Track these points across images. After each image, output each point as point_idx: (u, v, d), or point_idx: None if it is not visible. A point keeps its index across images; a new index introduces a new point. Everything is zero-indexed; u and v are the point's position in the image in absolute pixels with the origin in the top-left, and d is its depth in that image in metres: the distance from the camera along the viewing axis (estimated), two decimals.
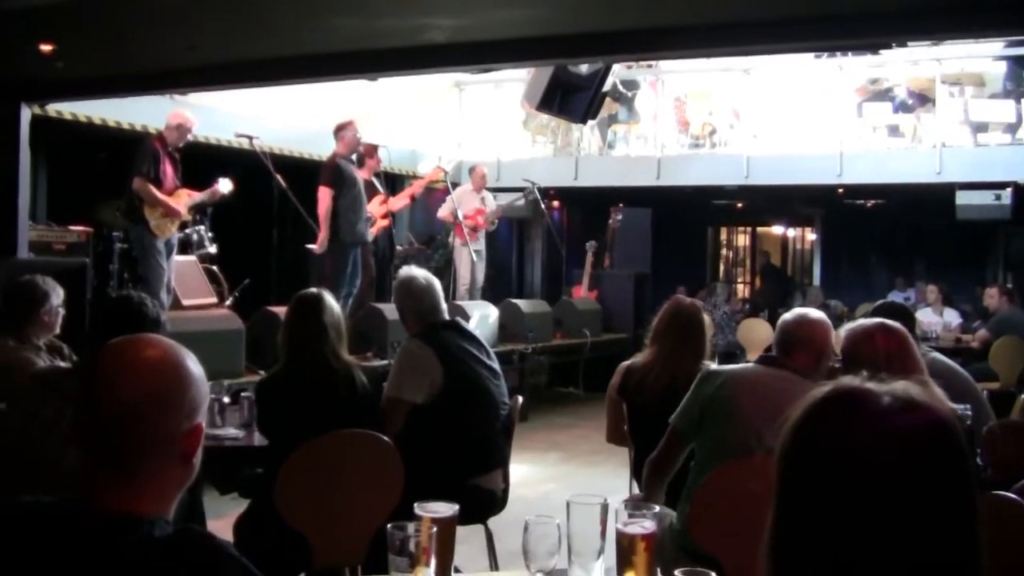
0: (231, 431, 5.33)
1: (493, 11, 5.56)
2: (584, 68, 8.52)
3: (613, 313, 15.23)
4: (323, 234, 10.33)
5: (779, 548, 1.48)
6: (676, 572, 2.37)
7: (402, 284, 5.42)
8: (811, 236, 22.12)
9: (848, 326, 4.37)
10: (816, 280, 20.44)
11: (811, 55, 14.86)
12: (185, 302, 10.03)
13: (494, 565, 5.14)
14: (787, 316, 4.36)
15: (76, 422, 1.99)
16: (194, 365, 2.03)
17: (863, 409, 1.43)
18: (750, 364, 4.40)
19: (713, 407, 4.16)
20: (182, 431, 1.98)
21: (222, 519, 5.47)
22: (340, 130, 10.69)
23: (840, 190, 16.48)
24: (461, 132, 16.90)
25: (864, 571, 1.38)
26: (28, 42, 6.29)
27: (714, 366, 4.34)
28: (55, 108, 9.74)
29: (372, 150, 11.68)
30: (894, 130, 15.47)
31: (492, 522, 5.23)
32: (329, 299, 4.91)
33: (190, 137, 9.69)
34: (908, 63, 14.97)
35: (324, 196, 10.38)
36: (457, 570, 3.63)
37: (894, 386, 1.45)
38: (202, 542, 1.87)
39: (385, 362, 9.38)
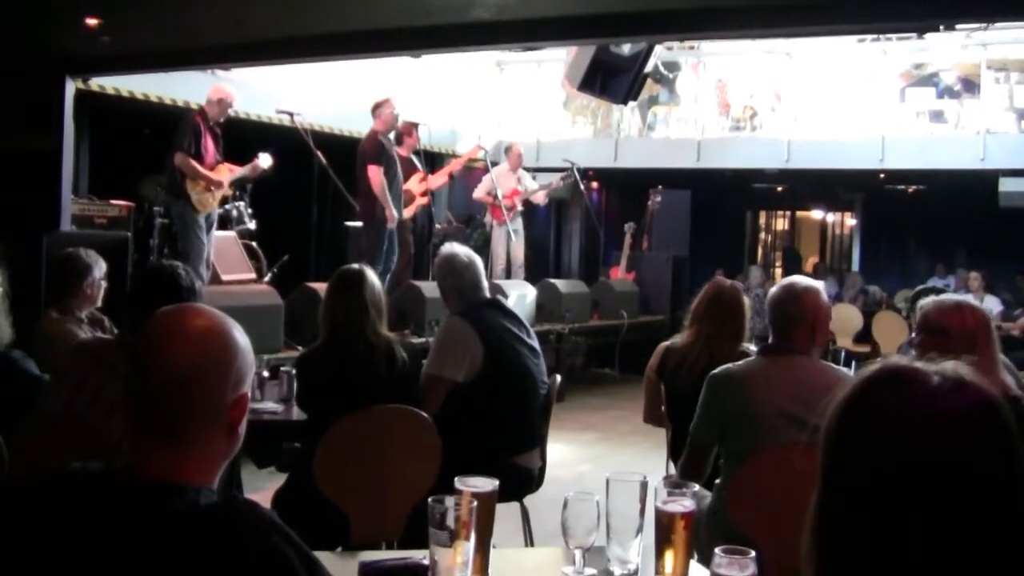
0: (270, 405, 5.37)
1: None
2: (626, 49, 8.48)
3: (650, 295, 15.19)
4: (389, 210, 10.37)
5: (825, 529, 1.47)
6: (717, 549, 2.37)
7: (444, 261, 5.42)
8: (851, 221, 22.01)
9: (937, 298, 4.31)
10: (855, 266, 20.34)
11: (854, 39, 14.74)
12: (224, 277, 10.09)
13: (530, 543, 5.16)
14: (773, 293, 4.29)
15: (124, 390, 2.00)
16: (240, 335, 2.04)
17: (912, 388, 1.42)
18: (752, 359, 4.34)
19: (731, 415, 4.13)
20: (228, 400, 2.00)
21: (259, 493, 5.49)
22: (377, 108, 10.72)
23: (881, 175, 16.37)
24: (501, 112, 16.88)
25: (911, 551, 1.38)
26: (73, 16, 6.33)
27: (719, 369, 4.24)
28: (98, 83, 9.79)
29: (411, 128, 11.69)
30: (937, 116, 15.32)
31: (528, 501, 5.24)
32: (371, 275, 4.92)
33: (231, 112, 9.74)
34: (953, 48, 14.81)
35: (375, 174, 10.41)
36: (495, 547, 3.64)
37: (943, 365, 1.44)
38: (249, 511, 1.88)
39: (423, 340, 9.40)
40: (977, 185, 14.49)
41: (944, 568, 1.36)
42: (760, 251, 23.66)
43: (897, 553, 1.38)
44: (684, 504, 2.65)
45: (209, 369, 1.97)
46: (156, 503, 1.85)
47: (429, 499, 2.52)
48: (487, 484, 2.75)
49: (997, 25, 11.32)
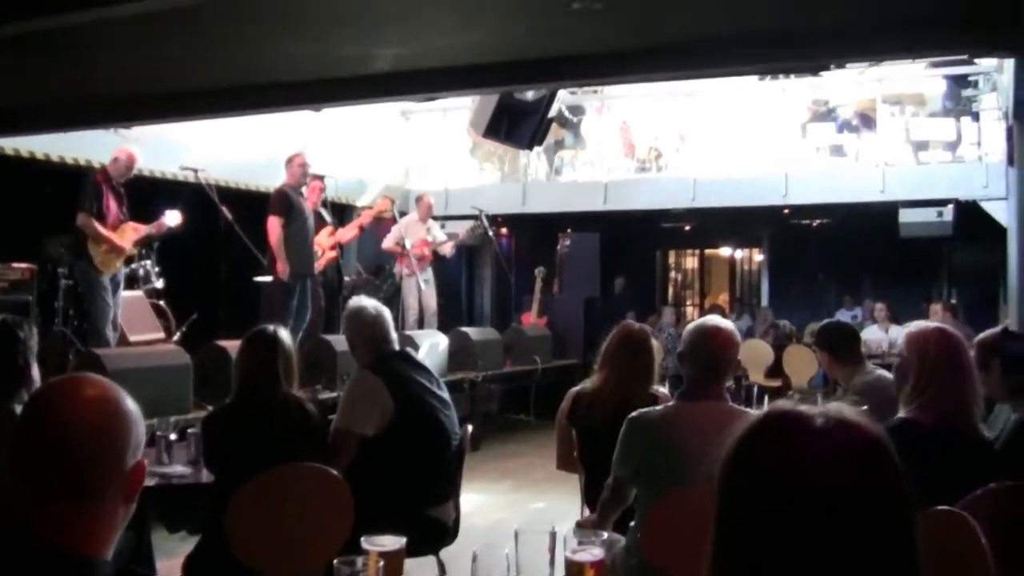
0: (178, 468, 5.27)
1: (436, 39, 5.57)
2: (530, 94, 8.54)
3: (563, 339, 15.22)
4: (281, 263, 10.32)
5: (720, 566, 1.48)
6: None
7: (352, 314, 5.40)
8: (759, 257, 22.29)
9: (917, 325, 4.35)
10: (764, 300, 20.58)
11: (755, 78, 14.98)
12: (132, 338, 9.94)
13: None
14: (689, 338, 4.25)
15: (16, 458, 1.96)
16: (131, 403, 2.05)
17: (798, 430, 1.45)
18: (670, 404, 4.36)
19: (646, 457, 4.15)
20: (127, 468, 1.99)
21: (174, 558, 5.40)
22: (289, 161, 10.69)
23: (786, 210, 16.61)
24: (408, 161, 16.90)
25: None
26: None
27: (637, 412, 4.25)
28: None
29: (317, 181, 11.66)
30: (838, 150, 15.61)
31: (445, 552, 5.20)
32: (283, 334, 4.89)
33: (135, 171, 9.64)
34: (850, 84, 15.14)
35: (274, 225, 10.37)
36: None
37: (827, 407, 1.47)
38: None
39: (335, 394, 9.33)
40: (879, 216, 14.75)
41: None
42: (672, 290, 23.87)
43: None
44: (593, 553, 2.65)
45: (111, 433, 1.98)
46: (52, 572, 1.83)
47: (335, 561, 2.49)
48: (394, 542, 2.73)
49: (886, 62, 11.58)
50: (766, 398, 14.23)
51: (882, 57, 6.89)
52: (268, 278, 10.58)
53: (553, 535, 2.71)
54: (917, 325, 4.37)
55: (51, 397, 2.02)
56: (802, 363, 13.52)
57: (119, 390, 2.04)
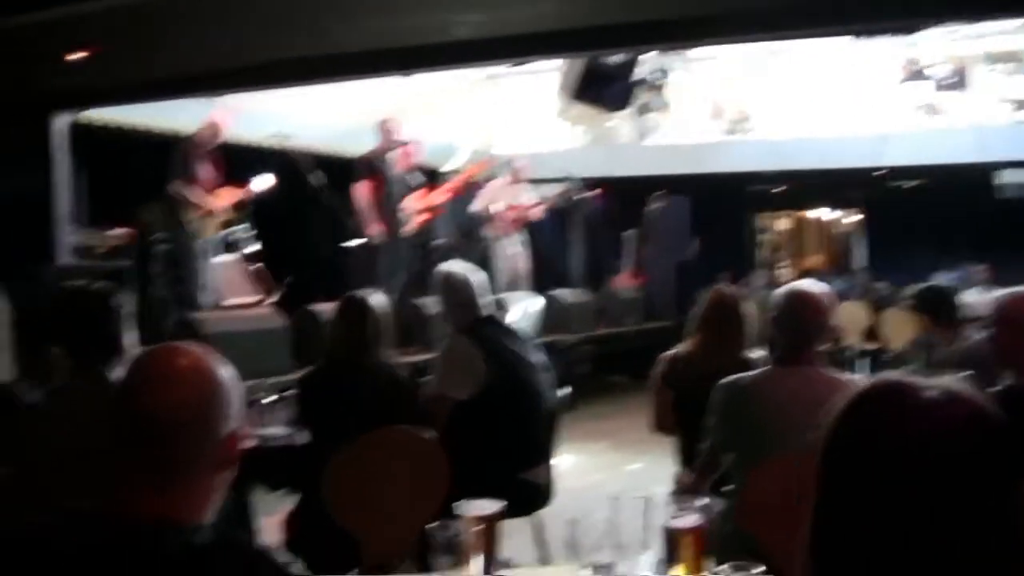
0: (276, 430, 5.35)
1: (518, 5, 5.55)
2: (615, 57, 8.49)
3: (656, 301, 15.15)
4: (371, 228, 10.37)
5: (820, 544, 1.47)
6: (724, 566, 2.36)
7: (442, 280, 5.42)
8: (854, 218, 21.92)
9: (1006, 292, 4.26)
10: (860, 263, 20.25)
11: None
12: (228, 301, 10.07)
13: (545, 557, 5.13)
14: (782, 302, 4.17)
15: (113, 432, 1.99)
16: (226, 370, 2.04)
17: (906, 402, 1.42)
18: (763, 369, 4.31)
19: (739, 424, 4.12)
20: (220, 438, 1.99)
21: (273, 516, 5.48)
22: (379, 126, 10.73)
23: (880, 172, 16.32)
24: (497, 124, 16.86)
25: (906, 565, 1.37)
26: (56, 53, 6.32)
27: (728, 379, 4.19)
28: (91, 115, 9.80)
29: (408, 145, 11.68)
30: (931, 109, 15.28)
31: (542, 514, 5.21)
32: (376, 300, 4.93)
33: (224, 138, 9.74)
34: (945, 41, 14.77)
35: (364, 190, 10.43)
36: (508, 563, 3.62)
37: (937, 380, 1.43)
38: (243, 549, 1.87)
39: (428, 356, 9.38)
40: (976, 177, 14.44)
41: None
42: (764, 253, 23.58)
43: (894, 566, 1.37)
44: (693, 520, 2.63)
45: (201, 410, 1.96)
46: (150, 543, 1.85)
47: (429, 526, 2.50)
48: (490, 506, 2.73)
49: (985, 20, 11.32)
50: (863, 362, 14.05)
51: (980, 18, 6.73)
52: (356, 242, 10.65)
53: (651, 500, 2.70)
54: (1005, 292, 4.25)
55: (144, 368, 2.02)
56: (900, 326, 13.25)
57: (214, 359, 2.03)
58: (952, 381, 1.44)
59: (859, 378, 4.22)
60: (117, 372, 3.94)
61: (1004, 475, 1.40)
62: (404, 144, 11.60)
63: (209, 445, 1.97)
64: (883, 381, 1.47)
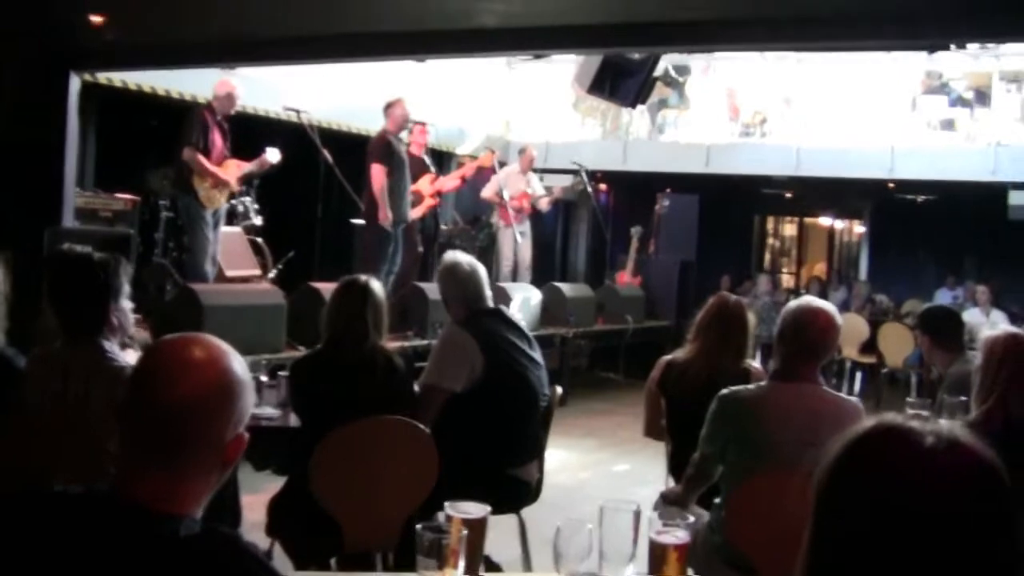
0: (268, 410, 5.32)
1: None
2: (636, 53, 8.46)
3: (656, 300, 15.12)
4: (383, 212, 10.33)
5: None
6: None
7: (446, 269, 5.38)
8: (859, 229, 21.90)
9: (1001, 331, 4.31)
10: (863, 274, 20.24)
11: None
12: (229, 273, 10.06)
13: (526, 555, 5.12)
14: (789, 318, 4.14)
15: (122, 413, 1.98)
16: (241, 369, 2.02)
17: (905, 448, 1.40)
18: (762, 384, 4.29)
19: (735, 436, 4.10)
20: (228, 438, 1.99)
21: (257, 494, 5.47)
22: (389, 107, 10.69)
23: (891, 184, 16.29)
24: (509, 111, 16.84)
25: None
26: (78, 12, 6.30)
27: (729, 391, 4.17)
28: (105, 76, 9.79)
29: (420, 127, 11.67)
30: (948, 124, 15.24)
31: (525, 512, 5.19)
32: (375, 285, 4.88)
33: (238, 107, 9.71)
34: (966, 58, 14.74)
35: (378, 173, 10.38)
36: (489, 560, 3.61)
37: (938, 425, 1.42)
38: (227, 544, 1.86)
39: (425, 342, 9.37)
40: (987, 197, 14.40)
41: None
42: (768, 256, 23.57)
43: None
44: (677, 535, 2.62)
45: (215, 406, 1.96)
46: (137, 529, 1.85)
47: (417, 526, 2.48)
48: (478, 510, 2.71)
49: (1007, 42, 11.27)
50: (859, 375, 14.05)
51: (1003, 39, 6.70)
52: (363, 221, 10.63)
53: (637, 513, 2.68)
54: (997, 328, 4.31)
55: (160, 360, 2.01)
56: (898, 341, 13.24)
57: (230, 358, 2.01)
58: (952, 427, 1.42)
59: (855, 400, 4.21)
60: (107, 342, 3.94)
61: (1003, 526, 1.38)
62: (421, 124, 11.59)
63: (214, 442, 1.97)
64: (884, 425, 1.45)
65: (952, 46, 5.29)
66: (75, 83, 7.73)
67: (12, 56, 7.21)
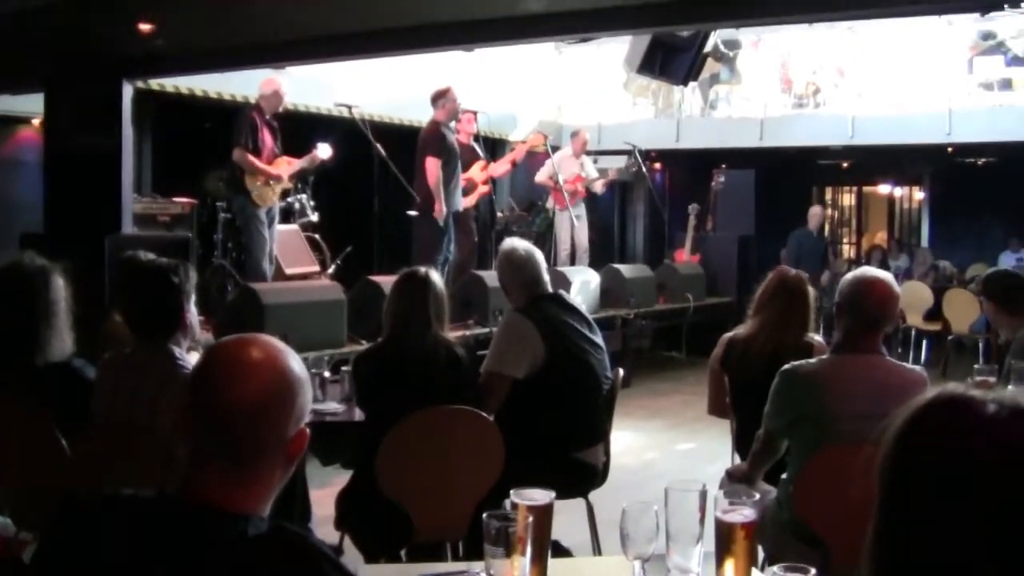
0: (332, 405, 5.36)
1: None
2: (685, 30, 8.40)
3: (717, 277, 15.01)
4: (439, 204, 10.34)
5: (881, 556, 1.44)
6: (774, 568, 2.33)
7: (503, 256, 5.38)
8: (919, 195, 21.64)
9: None
10: (924, 241, 20.01)
11: None
12: (288, 271, 10.14)
13: (595, 538, 5.12)
14: (847, 290, 4.10)
15: (186, 416, 2.01)
16: (299, 367, 2.05)
17: (968, 417, 1.38)
18: (825, 357, 4.25)
19: (800, 411, 4.07)
20: (289, 435, 2.02)
21: (325, 488, 5.52)
22: (439, 98, 10.69)
23: (949, 148, 16.08)
24: (560, 94, 16.80)
25: None
26: (129, 20, 6.37)
27: (792, 365, 4.13)
28: (157, 82, 9.89)
29: (470, 115, 11.66)
30: (1006, 84, 14.98)
31: (592, 495, 5.19)
32: (434, 277, 4.88)
33: (289, 105, 9.78)
34: (1020, 17, 14.46)
35: (432, 167, 10.38)
36: (558, 544, 3.61)
37: (1000, 393, 1.40)
38: (295, 542, 1.88)
39: (486, 330, 9.39)
40: None
41: None
42: (827, 227, 23.36)
43: None
44: (744, 514, 2.60)
45: (275, 404, 1.99)
46: (206, 530, 1.88)
47: (484, 514, 2.49)
48: (543, 496, 2.71)
49: None
50: (924, 342, 13.87)
51: None
52: (416, 213, 10.65)
53: (703, 494, 2.67)
54: None
55: (218, 361, 2.03)
56: (963, 307, 13.04)
57: (288, 356, 2.04)
58: (1016, 394, 1.40)
59: (920, 370, 4.15)
60: (179, 347, 4.00)
61: None
62: (468, 112, 11.58)
63: (276, 440, 2.00)
64: (944, 395, 1.43)
65: (1006, 5, 5.16)
66: (128, 91, 7.82)
67: (66, 70, 7.31)
